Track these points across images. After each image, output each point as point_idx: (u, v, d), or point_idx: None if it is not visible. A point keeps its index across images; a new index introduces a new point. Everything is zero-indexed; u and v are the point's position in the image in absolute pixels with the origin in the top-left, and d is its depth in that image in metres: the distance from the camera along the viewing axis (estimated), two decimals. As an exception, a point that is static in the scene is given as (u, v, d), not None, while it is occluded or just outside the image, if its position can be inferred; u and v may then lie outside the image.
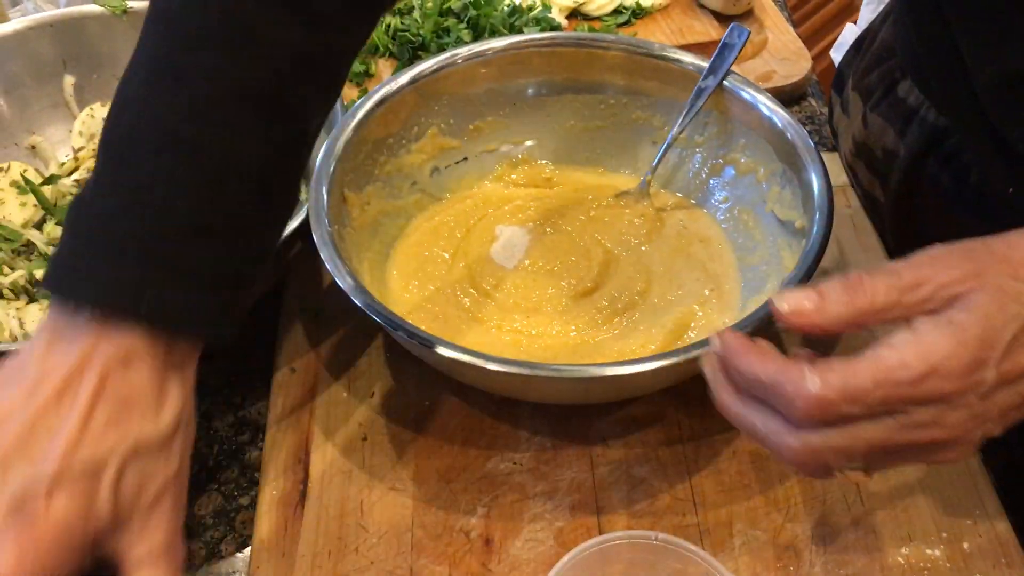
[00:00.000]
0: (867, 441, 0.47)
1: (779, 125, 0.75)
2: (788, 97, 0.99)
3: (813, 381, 0.46)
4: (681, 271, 0.76)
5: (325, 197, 0.70)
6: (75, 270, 0.51)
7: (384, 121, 0.78)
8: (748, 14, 1.07)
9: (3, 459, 0.49)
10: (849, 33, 1.47)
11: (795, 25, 1.12)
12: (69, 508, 0.49)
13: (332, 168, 0.73)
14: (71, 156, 0.87)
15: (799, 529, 0.64)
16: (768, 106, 0.76)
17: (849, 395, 0.46)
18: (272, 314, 0.80)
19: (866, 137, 0.86)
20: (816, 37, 1.72)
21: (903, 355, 0.46)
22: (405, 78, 0.79)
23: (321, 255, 0.67)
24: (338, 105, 0.79)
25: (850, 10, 1.80)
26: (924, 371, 0.46)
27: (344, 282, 0.65)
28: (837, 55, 1.17)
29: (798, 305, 0.48)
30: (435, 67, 0.80)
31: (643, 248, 0.78)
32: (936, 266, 0.48)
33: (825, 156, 0.90)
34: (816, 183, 0.70)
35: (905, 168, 0.81)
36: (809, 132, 0.96)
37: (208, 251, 0.52)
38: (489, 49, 0.81)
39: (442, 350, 0.61)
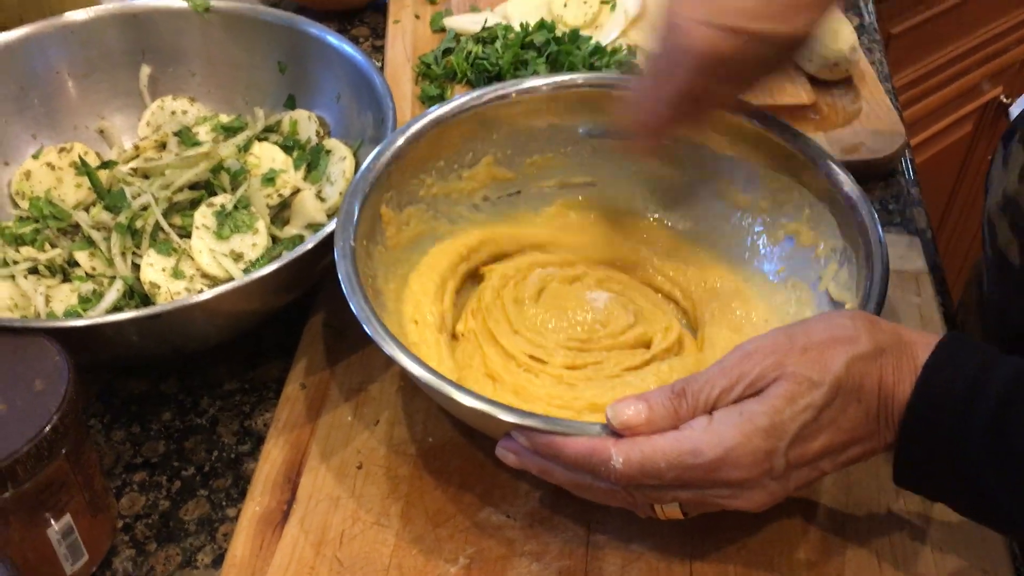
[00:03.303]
0: (674, 498, 0.55)
1: (848, 201, 0.70)
2: (875, 172, 0.93)
3: (617, 460, 0.53)
4: (719, 342, 0.71)
5: (356, 211, 0.68)
6: None
7: (437, 143, 0.76)
8: (846, 81, 1.01)
9: None
10: None
11: (897, 99, 1.06)
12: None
13: (371, 183, 0.71)
14: (134, 144, 0.88)
15: (802, 639, 0.58)
16: (840, 179, 0.71)
17: (646, 473, 0.53)
18: (297, 324, 0.78)
19: (1017, 192, 0.82)
20: (924, 123, 1.64)
21: (697, 442, 0.52)
22: (466, 102, 0.77)
23: (338, 271, 0.65)
24: (390, 120, 0.78)
25: (968, 96, 1.71)
26: (714, 459, 0.52)
27: (355, 303, 0.63)
28: (1017, 110, 1.10)
29: (628, 421, 0.54)
30: (499, 95, 0.78)
31: (680, 312, 0.74)
32: (746, 364, 0.53)
33: (903, 238, 0.85)
34: (874, 266, 0.65)
35: None
36: (893, 211, 0.91)
37: None
38: (557, 83, 0.78)
39: (452, 393, 0.58)
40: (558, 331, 0.72)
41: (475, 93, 0.77)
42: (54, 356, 0.60)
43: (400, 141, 0.73)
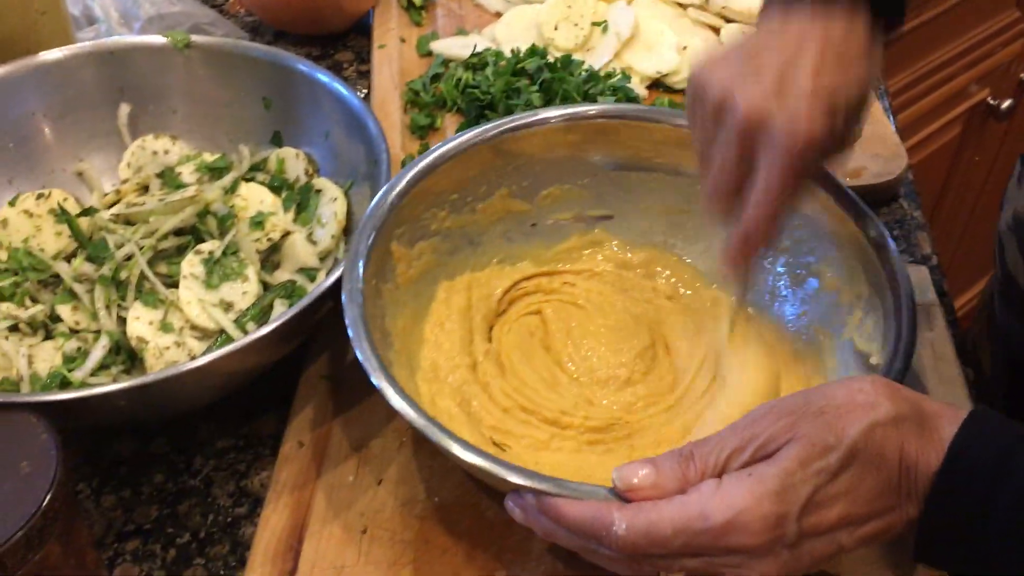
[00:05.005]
0: (682, 568, 0.52)
1: (873, 244, 0.67)
2: (878, 197, 0.91)
3: (620, 526, 0.51)
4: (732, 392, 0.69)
5: (366, 250, 0.66)
6: None
7: (450, 175, 0.73)
8: (844, 101, 0.99)
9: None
10: None
11: (895, 117, 1.04)
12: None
13: (382, 219, 0.68)
14: (115, 187, 0.85)
15: None
16: (866, 220, 0.67)
17: (652, 541, 0.50)
18: (291, 373, 0.75)
19: None
20: (915, 127, 1.63)
21: (704, 505, 0.49)
22: (478, 133, 0.74)
23: (345, 317, 0.62)
24: (384, 164, 0.75)
25: (957, 99, 1.70)
26: (722, 523, 0.49)
27: (362, 352, 0.60)
28: None
29: (634, 482, 0.51)
30: (515, 126, 0.75)
31: (695, 355, 0.71)
32: (757, 426, 0.51)
33: (912, 269, 0.83)
34: (902, 319, 0.62)
35: None
36: (896, 238, 0.89)
37: None
38: (575, 115, 0.76)
39: (455, 450, 0.55)
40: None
41: (488, 125, 0.75)
42: (40, 434, 0.57)
43: (411, 173, 0.71)
